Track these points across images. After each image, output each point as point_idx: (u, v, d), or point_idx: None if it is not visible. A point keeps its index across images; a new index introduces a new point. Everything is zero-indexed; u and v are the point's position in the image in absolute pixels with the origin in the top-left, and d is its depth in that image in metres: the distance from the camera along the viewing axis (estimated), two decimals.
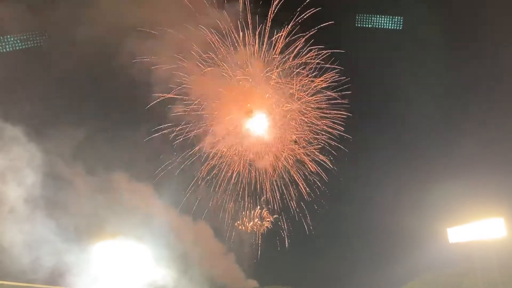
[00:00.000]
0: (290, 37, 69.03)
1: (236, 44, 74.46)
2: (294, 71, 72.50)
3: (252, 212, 79.72)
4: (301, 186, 76.12)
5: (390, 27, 64.25)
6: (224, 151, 73.66)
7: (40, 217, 34.96)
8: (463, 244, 47.60)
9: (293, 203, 75.64)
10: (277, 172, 74.84)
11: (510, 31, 54.13)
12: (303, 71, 70.52)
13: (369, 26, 64.63)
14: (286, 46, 69.34)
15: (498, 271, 43.26)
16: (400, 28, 63.90)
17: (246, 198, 77.29)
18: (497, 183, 50.90)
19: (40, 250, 34.66)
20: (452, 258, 54.21)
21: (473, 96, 62.23)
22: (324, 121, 73.21)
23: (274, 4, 64.18)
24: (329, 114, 72.22)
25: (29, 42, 54.57)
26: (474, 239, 45.45)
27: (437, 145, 65.14)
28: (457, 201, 52.29)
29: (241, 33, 71.17)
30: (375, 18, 64.37)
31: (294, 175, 74.55)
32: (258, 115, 72.01)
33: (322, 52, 68.08)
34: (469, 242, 46.40)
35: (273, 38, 67.76)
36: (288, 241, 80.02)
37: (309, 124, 75.76)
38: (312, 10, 62.99)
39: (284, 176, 75.62)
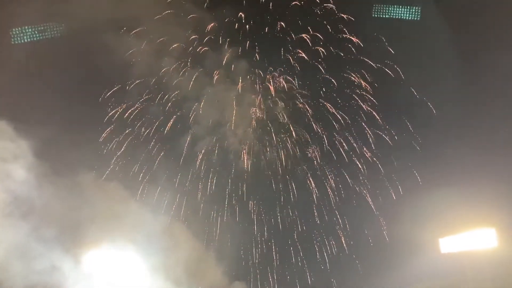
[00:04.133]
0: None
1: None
2: None
3: None
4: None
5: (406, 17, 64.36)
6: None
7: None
8: (455, 254, 47.51)
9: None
10: None
11: None
12: None
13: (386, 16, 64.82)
14: None
15: (490, 281, 43.13)
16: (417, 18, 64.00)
17: None
18: (489, 194, 50.95)
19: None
20: (444, 268, 53.99)
21: (467, 103, 62.53)
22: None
23: None
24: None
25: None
26: (466, 249, 45.38)
27: (429, 155, 65.32)
28: (449, 211, 52.26)
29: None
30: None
31: None
32: None
33: None
34: (461, 252, 46.31)
35: None
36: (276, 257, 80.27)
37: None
38: None
39: None
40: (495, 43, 58.40)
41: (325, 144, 77.24)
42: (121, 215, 42.73)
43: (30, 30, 55.62)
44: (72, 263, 37.35)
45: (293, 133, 78.40)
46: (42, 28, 56.25)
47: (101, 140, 63.63)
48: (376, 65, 68.75)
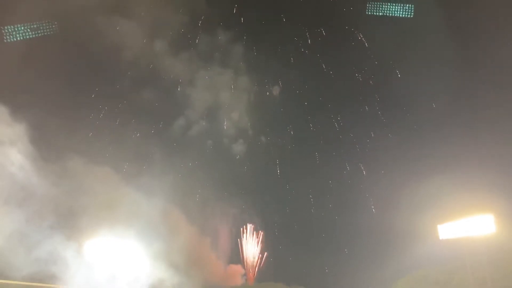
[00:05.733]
0: None
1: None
2: None
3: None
4: None
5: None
6: None
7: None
8: (453, 241, 47.55)
9: None
10: None
11: None
12: None
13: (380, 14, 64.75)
14: None
15: (488, 267, 43.23)
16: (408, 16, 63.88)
17: None
18: (487, 181, 51.01)
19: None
20: (442, 254, 54.23)
21: (468, 95, 62.47)
22: None
23: None
24: None
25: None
26: (464, 235, 45.38)
27: (427, 143, 65.36)
28: (448, 198, 52.35)
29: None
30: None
31: None
32: None
33: None
34: (459, 238, 46.33)
35: None
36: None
37: None
38: None
39: None
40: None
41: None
42: (116, 202, 42.61)
43: (22, 28, 55.14)
44: (71, 251, 37.41)
45: None
46: (35, 26, 55.70)
47: (91, 125, 63.29)
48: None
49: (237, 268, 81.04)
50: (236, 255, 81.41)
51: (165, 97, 75.14)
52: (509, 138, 54.40)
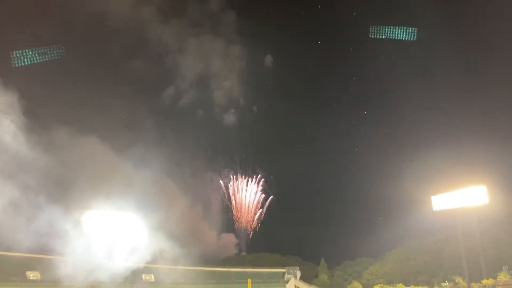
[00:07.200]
0: None
1: None
2: None
3: None
4: None
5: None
6: None
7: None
8: (447, 211, 48.19)
9: None
10: None
11: None
12: None
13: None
14: None
15: (479, 237, 44.02)
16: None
17: None
18: (480, 152, 51.31)
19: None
20: (435, 225, 55.30)
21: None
22: None
23: None
24: None
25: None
26: (457, 206, 45.96)
27: (421, 115, 65.26)
28: (442, 169, 52.78)
29: None
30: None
31: None
32: None
33: None
34: (453, 209, 46.94)
35: None
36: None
37: None
38: None
39: None
40: None
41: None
42: (108, 174, 42.43)
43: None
44: (70, 223, 37.56)
45: None
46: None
47: (79, 96, 61.24)
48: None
49: (229, 237, 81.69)
50: (229, 223, 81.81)
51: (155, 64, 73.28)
52: (502, 110, 54.77)
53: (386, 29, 63.75)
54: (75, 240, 36.92)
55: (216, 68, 79.43)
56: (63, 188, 37.62)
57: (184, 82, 76.28)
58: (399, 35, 63.06)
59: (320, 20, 77.12)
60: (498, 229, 49.80)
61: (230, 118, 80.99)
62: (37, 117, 40.47)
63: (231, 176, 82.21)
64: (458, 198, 45.71)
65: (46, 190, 34.76)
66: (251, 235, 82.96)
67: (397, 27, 63.07)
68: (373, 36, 64.64)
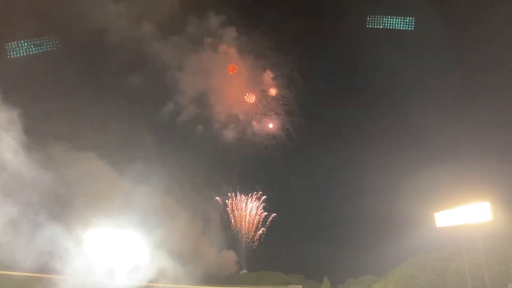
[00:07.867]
0: None
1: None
2: None
3: None
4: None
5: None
6: None
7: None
8: (450, 228, 47.83)
9: None
10: None
11: None
12: None
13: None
14: None
15: (484, 254, 43.59)
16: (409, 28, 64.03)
17: None
18: (483, 168, 51.25)
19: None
20: (439, 242, 54.73)
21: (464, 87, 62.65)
22: None
23: None
24: None
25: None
26: (461, 223, 45.66)
27: (425, 131, 65.43)
28: (444, 186, 52.62)
29: None
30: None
31: None
32: None
33: None
34: (456, 226, 46.61)
35: None
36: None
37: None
38: None
39: None
40: None
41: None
42: (108, 191, 42.28)
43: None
44: (71, 242, 37.33)
45: None
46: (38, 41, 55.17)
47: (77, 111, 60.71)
48: None
49: (229, 254, 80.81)
50: (228, 240, 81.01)
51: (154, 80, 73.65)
52: (506, 127, 54.77)
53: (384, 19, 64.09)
54: (76, 259, 36.66)
55: (216, 83, 79.81)
56: (63, 205, 37.46)
57: (184, 97, 76.48)
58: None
59: (322, 41, 77.86)
60: (503, 246, 49.33)
61: (229, 133, 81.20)
62: (35, 134, 39.77)
63: (229, 193, 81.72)
64: (461, 215, 45.41)
65: (46, 208, 34.65)
66: (252, 253, 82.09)
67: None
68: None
